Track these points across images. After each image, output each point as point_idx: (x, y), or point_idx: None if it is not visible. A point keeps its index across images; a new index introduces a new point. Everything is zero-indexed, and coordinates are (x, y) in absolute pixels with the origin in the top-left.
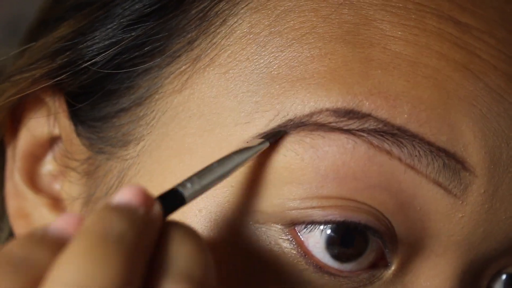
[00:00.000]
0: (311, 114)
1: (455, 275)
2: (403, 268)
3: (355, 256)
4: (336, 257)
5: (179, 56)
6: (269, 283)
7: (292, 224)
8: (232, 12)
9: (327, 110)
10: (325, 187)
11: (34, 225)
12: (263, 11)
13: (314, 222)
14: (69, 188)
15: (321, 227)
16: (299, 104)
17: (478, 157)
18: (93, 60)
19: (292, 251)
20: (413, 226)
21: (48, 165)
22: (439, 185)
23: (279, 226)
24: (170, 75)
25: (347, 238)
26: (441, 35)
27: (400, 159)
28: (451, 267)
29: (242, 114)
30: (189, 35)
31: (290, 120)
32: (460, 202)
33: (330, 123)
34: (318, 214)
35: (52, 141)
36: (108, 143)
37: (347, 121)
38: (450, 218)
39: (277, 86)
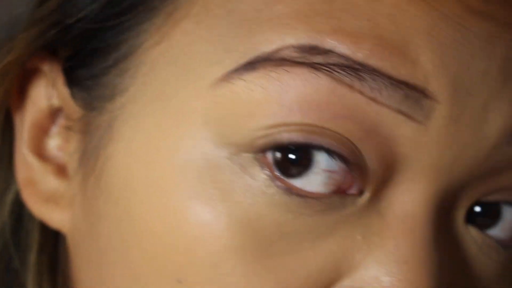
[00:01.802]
0: (276, 50)
1: (429, 200)
2: (378, 195)
3: (302, 170)
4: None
5: (157, 11)
6: (241, 209)
7: (261, 151)
8: None
9: (291, 46)
10: (289, 117)
11: (41, 192)
12: None
13: (280, 145)
14: (68, 147)
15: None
16: (266, 42)
17: (439, 85)
18: (77, 17)
19: (262, 175)
20: (382, 152)
21: (55, 137)
22: (402, 113)
23: (250, 155)
24: (150, 29)
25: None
26: None
27: (361, 92)
28: (425, 192)
29: (214, 56)
30: None
31: (257, 56)
32: (424, 127)
33: (295, 58)
34: (283, 137)
35: (56, 111)
36: (99, 100)
37: (311, 56)
38: (417, 143)
39: (246, 28)
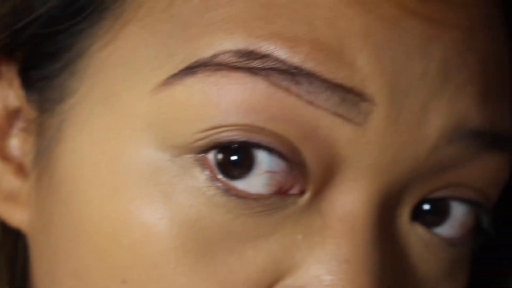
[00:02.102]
0: (215, 55)
1: (370, 200)
2: (319, 195)
3: (244, 172)
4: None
5: (105, 14)
6: (183, 210)
7: (203, 152)
8: None
9: (229, 51)
10: (228, 120)
11: (1, 190)
12: None
13: (220, 145)
14: (25, 147)
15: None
16: (205, 47)
17: (376, 87)
18: (29, 20)
19: (203, 176)
20: (321, 154)
21: (15, 137)
22: (339, 116)
23: (191, 156)
24: (99, 32)
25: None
26: None
27: (299, 96)
28: (365, 191)
29: (156, 61)
30: None
31: (196, 61)
32: (362, 129)
33: (232, 63)
34: (222, 136)
35: (16, 111)
36: (50, 101)
37: (248, 61)
38: (356, 144)
39: (187, 33)
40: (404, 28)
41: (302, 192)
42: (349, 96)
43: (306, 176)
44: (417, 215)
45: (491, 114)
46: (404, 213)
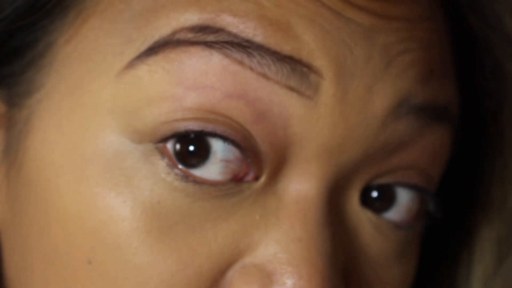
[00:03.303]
0: (173, 33)
1: (322, 181)
2: (274, 177)
3: (201, 161)
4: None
5: (68, 10)
6: (144, 194)
7: (162, 141)
8: None
9: (185, 28)
10: (187, 99)
11: None
12: None
13: (178, 134)
14: None
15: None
16: (163, 27)
17: (323, 62)
18: None
19: (162, 163)
20: (275, 135)
21: None
22: (292, 89)
23: (152, 144)
24: (62, 28)
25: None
26: None
27: (251, 68)
28: (317, 173)
29: (118, 48)
30: None
31: (157, 41)
32: (314, 103)
33: (189, 38)
34: (180, 125)
35: None
36: (18, 96)
37: (204, 35)
38: (308, 121)
39: (145, 18)
40: (349, 18)
41: (257, 178)
42: (298, 67)
43: (260, 162)
44: (366, 201)
45: (434, 91)
46: (354, 196)
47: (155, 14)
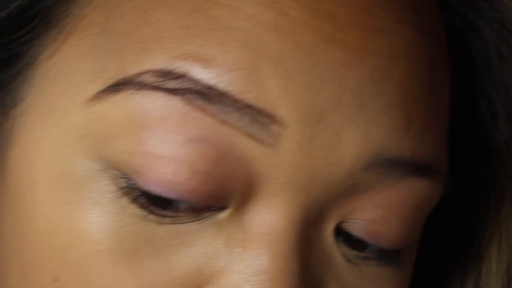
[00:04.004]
0: (138, 75)
1: (290, 215)
2: (240, 209)
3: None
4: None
5: (52, 25)
6: (109, 218)
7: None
8: None
9: (150, 71)
10: (148, 143)
11: None
12: None
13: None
14: None
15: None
16: (131, 65)
17: (287, 110)
18: None
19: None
20: (239, 173)
21: None
22: (251, 136)
23: (117, 172)
24: (46, 43)
25: None
26: (257, 1)
27: (213, 115)
28: (284, 207)
29: (90, 75)
30: (59, 8)
31: (121, 79)
32: (274, 150)
33: (153, 83)
34: (139, 183)
35: None
36: (5, 106)
37: (166, 81)
38: (269, 164)
39: (118, 49)
40: (319, 55)
41: (223, 208)
42: (259, 117)
43: (224, 196)
44: (342, 233)
45: (412, 143)
46: (328, 229)
47: (128, 48)
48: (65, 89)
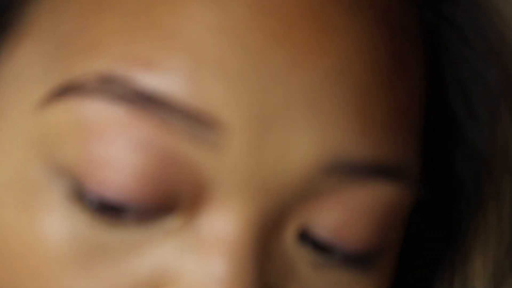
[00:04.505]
0: (79, 79)
1: (245, 220)
2: (192, 215)
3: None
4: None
5: (10, 27)
6: (62, 224)
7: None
8: None
9: (92, 75)
10: (93, 149)
11: None
12: None
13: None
14: None
15: None
16: (74, 69)
17: (232, 114)
18: None
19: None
20: (186, 179)
21: None
22: (195, 141)
23: (67, 178)
24: (5, 44)
25: None
26: (201, 2)
27: (156, 120)
28: (238, 212)
29: (38, 79)
30: (16, 10)
31: (64, 85)
32: (221, 155)
33: (95, 88)
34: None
35: None
36: None
37: (108, 86)
38: (217, 169)
39: (63, 55)
40: (266, 58)
41: (173, 215)
42: (203, 121)
43: (174, 203)
44: (306, 238)
45: (372, 146)
46: (289, 233)
47: (73, 52)
48: (16, 94)
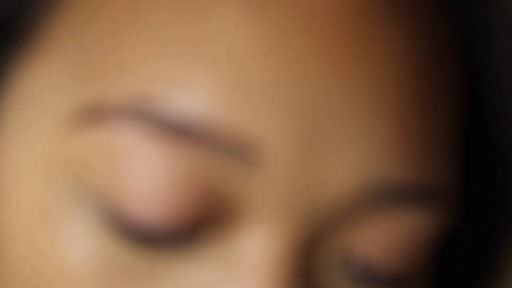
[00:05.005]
0: (105, 103)
1: (284, 241)
2: (229, 236)
3: None
4: None
5: (20, 38)
6: (91, 246)
7: None
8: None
9: (118, 98)
10: (127, 176)
11: None
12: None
13: None
14: None
15: None
16: (96, 93)
17: (273, 137)
18: None
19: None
20: (220, 202)
21: None
22: (234, 161)
23: (97, 203)
24: (18, 61)
25: None
26: (237, 16)
27: (192, 142)
28: (277, 232)
29: (58, 100)
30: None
31: (95, 109)
32: (259, 176)
33: (121, 112)
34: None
35: None
36: None
37: (133, 110)
38: (255, 191)
39: (87, 74)
40: (307, 76)
41: (208, 236)
42: (241, 143)
43: (208, 228)
44: (347, 260)
45: (413, 168)
46: (328, 255)
47: (100, 75)
48: (33, 113)
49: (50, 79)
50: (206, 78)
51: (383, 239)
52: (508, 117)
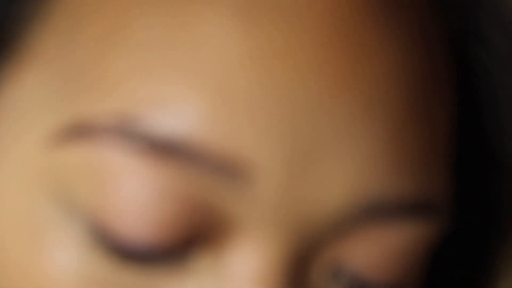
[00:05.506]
0: (91, 119)
1: (275, 256)
2: (219, 253)
3: None
4: None
5: (12, 54)
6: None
7: None
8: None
9: (110, 115)
10: (112, 193)
11: None
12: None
13: None
14: None
15: None
16: (82, 108)
17: (263, 156)
18: None
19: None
20: (209, 220)
21: None
22: (223, 181)
23: (82, 218)
24: (4, 75)
25: None
26: (225, 32)
27: (179, 160)
28: (267, 248)
29: (43, 113)
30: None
31: (74, 123)
32: (249, 194)
33: (106, 129)
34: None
35: None
36: None
37: (118, 127)
38: (245, 208)
39: (73, 88)
40: (297, 93)
41: (198, 253)
42: (229, 163)
43: (198, 245)
44: (339, 274)
45: (406, 182)
46: (321, 270)
47: (85, 89)
48: (18, 127)
49: (35, 93)
50: (191, 95)
51: (375, 252)
52: (503, 120)
